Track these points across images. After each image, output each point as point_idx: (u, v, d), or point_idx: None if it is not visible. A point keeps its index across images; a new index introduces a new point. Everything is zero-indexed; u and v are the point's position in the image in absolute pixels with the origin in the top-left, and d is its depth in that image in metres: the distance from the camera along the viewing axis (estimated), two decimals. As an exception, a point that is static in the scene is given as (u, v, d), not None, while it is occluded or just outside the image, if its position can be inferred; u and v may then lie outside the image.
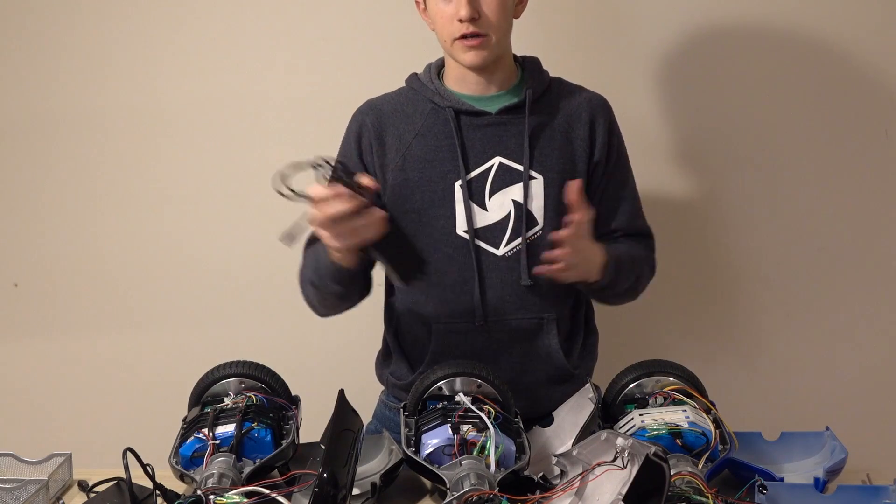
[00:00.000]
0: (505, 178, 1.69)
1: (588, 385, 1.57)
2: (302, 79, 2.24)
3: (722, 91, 2.23)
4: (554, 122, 1.72)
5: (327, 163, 1.42)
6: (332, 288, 1.64)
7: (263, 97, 2.26)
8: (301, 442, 1.51)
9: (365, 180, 1.44)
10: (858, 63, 2.21)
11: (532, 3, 1.74)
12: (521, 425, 1.51)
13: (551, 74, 1.78)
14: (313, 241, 1.64)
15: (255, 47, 2.24)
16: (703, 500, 1.27)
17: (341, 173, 1.42)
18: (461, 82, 1.72)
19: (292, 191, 1.39)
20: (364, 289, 1.70)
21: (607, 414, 1.56)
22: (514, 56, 1.76)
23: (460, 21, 1.61)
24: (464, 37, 1.62)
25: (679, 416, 1.45)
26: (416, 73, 1.78)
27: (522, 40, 1.78)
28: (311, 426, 1.54)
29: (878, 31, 2.20)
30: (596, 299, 1.80)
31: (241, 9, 2.23)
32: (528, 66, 1.76)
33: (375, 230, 1.47)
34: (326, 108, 2.18)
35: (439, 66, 1.77)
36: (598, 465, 1.28)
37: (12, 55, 2.26)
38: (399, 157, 1.70)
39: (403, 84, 1.78)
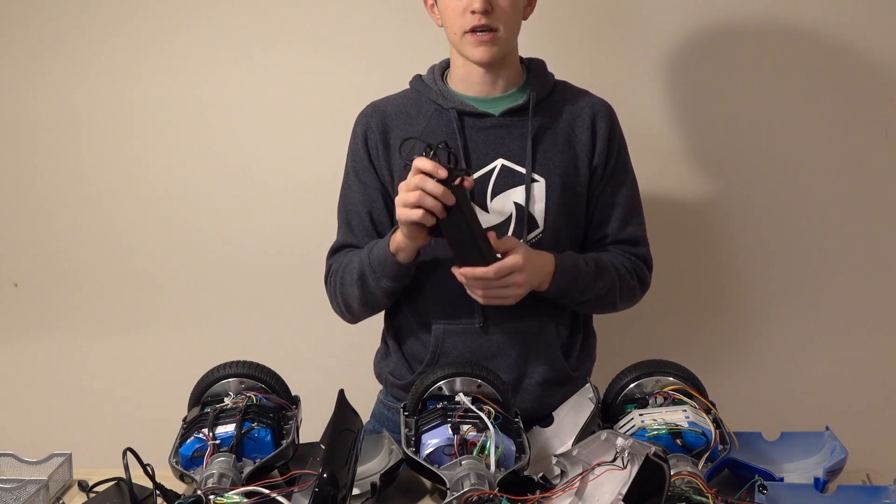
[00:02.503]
0: (507, 181, 1.68)
1: (588, 385, 1.57)
2: (307, 80, 2.24)
3: (724, 93, 2.23)
4: (557, 125, 1.72)
5: (441, 147, 1.53)
6: (385, 285, 1.63)
7: (266, 100, 2.26)
8: (301, 442, 1.51)
9: (468, 180, 1.52)
10: (858, 63, 2.21)
11: (539, 6, 1.74)
12: (521, 425, 1.51)
13: (557, 77, 1.78)
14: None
15: (258, 49, 2.24)
16: (703, 500, 1.27)
17: (445, 156, 1.52)
18: (466, 83, 1.72)
19: (410, 160, 1.52)
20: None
21: (607, 414, 1.56)
22: (521, 58, 1.76)
23: (473, 13, 1.61)
24: (474, 30, 1.62)
25: (679, 416, 1.45)
26: (419, 75, 1.77)
27: (529, 42, 1.78)
28: (311, 426, 1.54)
29: (879, 31, 2.20)
30: (562, 306, 1.73)
31: (247, 11, 2.23)
32: (534, 69, 1.76)
33: (446, 200, 1.48)
34: (331, 109, 2.19)
35: (443, 68, 1.77)
36: (598, 465, 1.28)
37: (11, 54, 2.26)
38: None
39: (407, 86, 1.78)
